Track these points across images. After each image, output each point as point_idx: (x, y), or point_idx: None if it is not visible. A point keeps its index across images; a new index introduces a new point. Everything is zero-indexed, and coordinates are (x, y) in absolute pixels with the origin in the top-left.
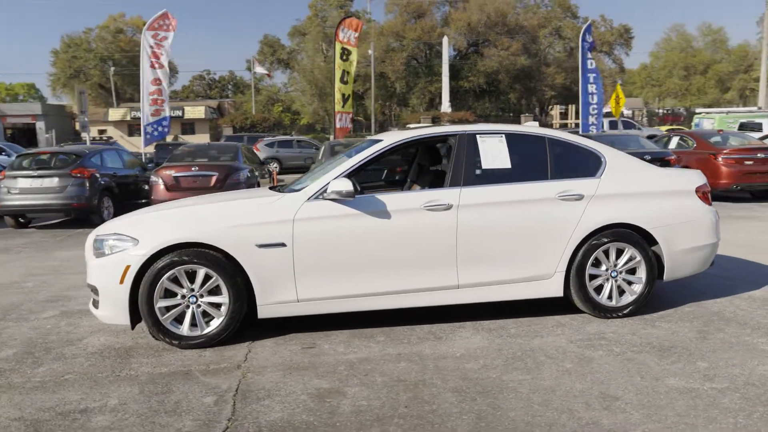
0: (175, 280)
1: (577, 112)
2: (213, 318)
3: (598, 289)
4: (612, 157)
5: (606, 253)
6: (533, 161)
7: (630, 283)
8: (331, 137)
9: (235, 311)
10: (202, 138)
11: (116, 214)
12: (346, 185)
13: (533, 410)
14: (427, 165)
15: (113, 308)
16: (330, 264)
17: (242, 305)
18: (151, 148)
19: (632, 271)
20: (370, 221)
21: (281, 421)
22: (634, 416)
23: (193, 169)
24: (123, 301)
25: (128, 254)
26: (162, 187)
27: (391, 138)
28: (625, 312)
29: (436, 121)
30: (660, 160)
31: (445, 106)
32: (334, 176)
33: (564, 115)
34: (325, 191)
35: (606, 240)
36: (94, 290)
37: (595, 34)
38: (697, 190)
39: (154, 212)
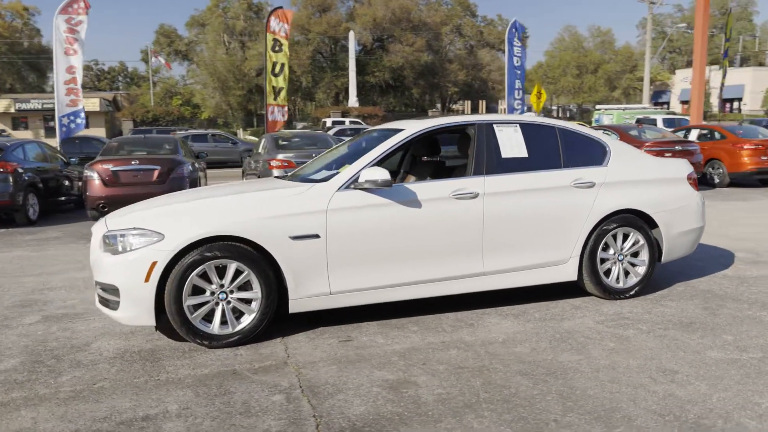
0: (204, 276)
1: (479, 108)
2: (243, 315)
3: (607, 273)
4: (615, 146)
5: (614, 237)
6: (547, 150)
7: (634, 265)
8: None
9: (267, 306)
10: (97, 132)
11: (42, 213)
12: (382, 174)
13: (607, 387)
14: (422, 156)
15: (137, 308)
16: (363, 255)
17: (274, 300)
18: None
19: (635, 254)
20: (402, 210)
21: (370, 414)
22: (701, 387)
23: (133, 162)
24: (148, 300)
25: (153, 250)
26: (98, 182)
27: (413, 126)
28: (631, 293)
29: (345, 115)
30: None
31: (353, 101)
32: (363, 165)
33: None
34: (356, 180)
35: (614, 225)
36: (112, 290)
37: (493, 33)
38: (687, 177)
39: (168, 205)
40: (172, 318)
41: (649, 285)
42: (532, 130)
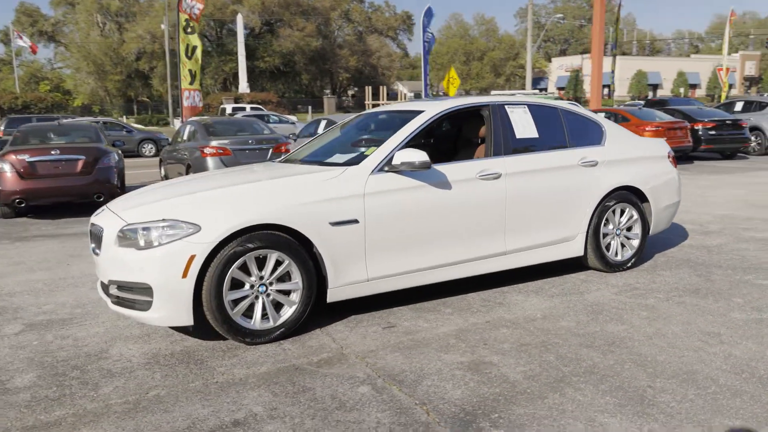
0: (243, 269)
1: (380, 95)
2: (282, 307)
3: (607, 248)
4: (608, 126)
5: (613, 213)
6: (553, 131)
7: (628, 239)
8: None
9: (308, 297)
10: None
11: None
12: (420, 156)
13: (671, 352)
14: (440, 136)
15: (173, 307)
16: (398, 239)
17: (314, 290)
18: None
19: (629, 229)
20: (434, 192)
21: (471, 396)
22: (749, 345)
23: (53, 152)
24: (186, 297)
25: (190, 243)
26: (11, 175)
27: (434, 107)
28: (628, 265)
29: (238, 101)
30: None
31: (243, 87)
32: (394, 147)
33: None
34: (389, 163)
35: (614, 202)
36: (140, 289)
37: (380, 19)
38: (668, 155)
39: (192, 193)
40: (212, 315)
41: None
42: (538, 111)
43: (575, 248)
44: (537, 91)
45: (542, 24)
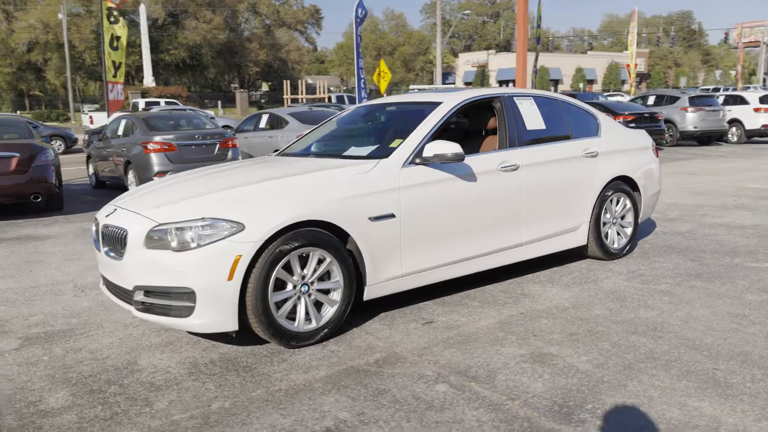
0: (286, 268)
1: (299, 89)
2: (322, 307)
3: (605, 236)
4: (602, 117)
5: (611, 202)
6: (557, 122)
7: (623, 227)
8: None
9: (349, 296)
10: None
11: None
12: (453, 147)
13: (713, 335)
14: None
15: (218, 312)
16: (431, 232)
17: (354, 288)
18: None
19: (623, 217)
20: (462, 185)
21: (555, 388)
22: None
23: None
24: (232, 301)
25: (234, 242)
26: None
27: (452, 98)
28: (624, 252)
29: (145, 95)
30: None
31: (148, 80)
32: (421, 139)
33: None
34: (419, 155)
35: (611, 191)
36: (179, 294)
37: (289, 13)
38: (651, 146)
39: (223, 190)
40: (257, 319)
41: None
42: (542, 103)
43: (580, 238)
44: (453, 85)
45: (447, 20)
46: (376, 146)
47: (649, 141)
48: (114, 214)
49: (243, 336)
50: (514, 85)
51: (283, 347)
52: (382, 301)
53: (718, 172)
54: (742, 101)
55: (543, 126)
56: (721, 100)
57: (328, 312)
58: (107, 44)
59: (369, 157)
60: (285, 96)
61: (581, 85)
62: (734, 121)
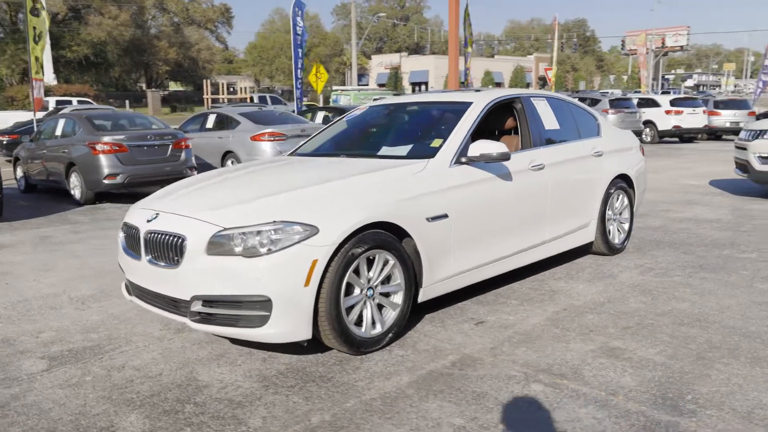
0: (355, 272)
1: (221, 89)
2: (383, 310)
3: (608, 232)
4: (600, 118)
5: (613, 199)
6: (568, 123)
7: (621, 223)
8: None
9: (409, 298)
10: None
11: None
12: (498, 147)
13: (755, 323)
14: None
15: (294, 320)
16: (477, 232)
17: (412, 290)
18: None
19: (621, 213)
20: (501, 184)
21: (644, 381)
22: None
23: None
24: (308, 308)
25: (310, 246)
26: None
27: (481, 98)
28: (622, 248)
29: (49, 94)
30: None
31: (49, 78)
32: (462, 139)
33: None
34: (463, 154)
35: (613, 189)
36: (252, 303)
37: (198, 11)
38: (639, 146)
39: (285, 192)
40: (330, 326)
41: None
42: (553, 104)
43: (589, 234)
44: (378, 87)
45: (359, 22)
46: (411, 146)
47: (637, 141)
48: (159, 219)
49: (287, 346)
50: (426, 87)
51: (350, 354)
52: (424, 303)
53: (650, 170)
54: (654, 104)
55: (557, 126)
56: (635, 102)
57: (390, 315)
58: (31, 39)
59: (411, 156)
60: (205, 96)
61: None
62: (648, 123)
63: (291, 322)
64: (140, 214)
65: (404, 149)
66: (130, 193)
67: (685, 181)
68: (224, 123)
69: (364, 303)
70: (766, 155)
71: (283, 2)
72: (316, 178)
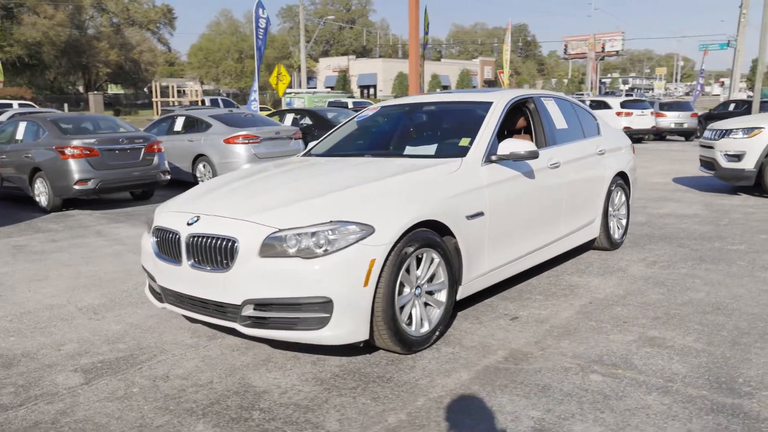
0: (407, 271)
1: (170, 92)
2: (428, 308)
3: (610, 227)
4: (599, 118)
5: (614, 196)
6: (573, 122)
7: (619, 219)
8: None
9: (452, 295)
10: None
11: None
12: (527, 146)
13: (767, 309)
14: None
15: (353, 321)
16: (507, 229)
17: (453, 288)
18: None
19: (618, 209)
20: (526, 182)
21: (694, 367)
22: None
23: None
24: (366, 308)
25: (367, 245)
26: None
27: (501, 97)
28: (621, 242)
29: None
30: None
31: None
32: (489, 138)
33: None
34: (493, 153)
35: (614, 187)
36: (311, 305)
37: (140, 11)
38: (631, 145)
39: (333, 192)
40: (385, 326)
41: None
42: (560, 104)
43: (594, 230)
44: (329, 89)
45: (305, 25)
46: (436, 145)
47: (628, 140)
48: (202, 222)
49: (332, 348)
50: (375, 90)
51: (401, 354)
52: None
53: None
54: (605, 106)
55: (566, 126)
56: (587, 104)
57: (436, 314)
58: None
59: (440, 156)
60: (154, 99)
61: (438, 90)
62: None
63: (350, 323)
64: (177, 218)
65: (430, 149)
66: (99, 199)
67: (649, 179)
68: (194, 126)
69: (413, 302)
70: (732, 153)
71: (228, 3)
72: (357, 178)
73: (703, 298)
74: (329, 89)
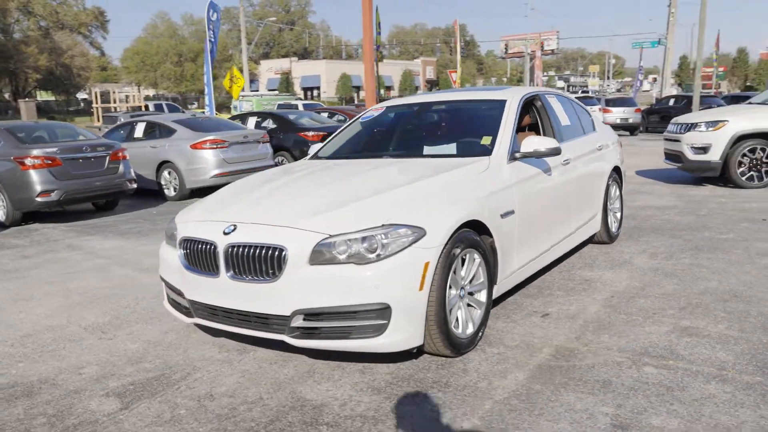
0: (454, 272)
1: (111, 98)
2: (470, 308)
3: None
4: (593, 114)
5: (612, 190)
6: (574, 119)
7: (614, 213)
8: None
9: (489, 295)
10: None
11: None
12: (549, 143)
13: None
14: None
15: (411, 327)
16: (532, 226)
17: (491, 287)
18: None
19: (613, 203)
20: (545, 178)
21: (737, 353)
22: None
23: None
24: (421, 313)
25: (420, 248)
26: None
27: (513, 94)
28: (617, 235)
29: None
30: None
31: None
32: (510, 135)
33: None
34: (516, 151)
35: (611, 181)
36: (368, 312)
37: (69, 14)
38: (619, 140)
39: (377, 194)
40: (438, 329)
41: None
42: (561, 101)
43: (596, 224)
44: (271, 92)
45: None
46: (455, 145)
47: (616, 135)
48: (241, 230)
49: (373, 355)
50: (318, 92)
51: (449, 357)
52: None
53: None
54: None
55: (569, 122)
56: None
57: (477, 314)
58: None
59: (463, 155)
60: (95, 105)
61: (382, 91)
62: None
63: (408, 329)
64: (210, 227)
65: (449, 148)
66: (62, 211)
67: None
68: (156, 131)
69: (458, 304)
70: (698, 146)
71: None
72: (391, 179)
73: (717, 287)
74: (272, 92)
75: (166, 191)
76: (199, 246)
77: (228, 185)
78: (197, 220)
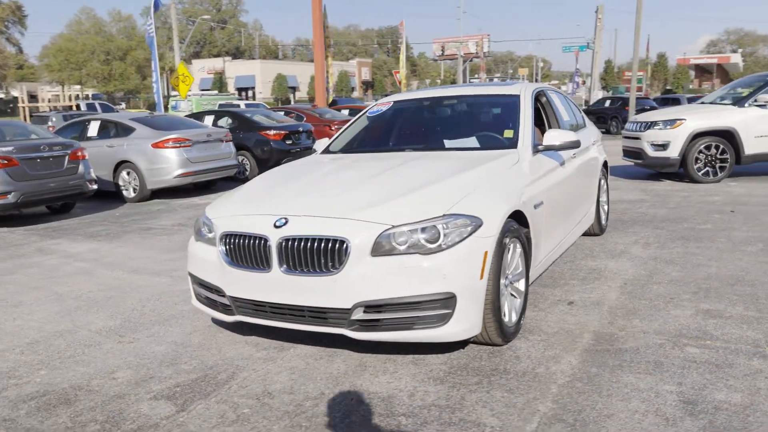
0: (503, 262)
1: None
2: (512, 297)
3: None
4: (582, 111)
5: (601, 184)
6: (571, 114)
7: (603, 205)
8: None
9: (526, 285)
10: None
11: None
12: (570, 135)
13: None
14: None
15: (473, 316)
16: (554, 217)
17: (527, 276)
18: None
19: (601, 196)
20: (562, 171)
21: (765, 332)
22: None
23: None
24: (482, 301)
25: (479, 238)
26: None
27: (525, 89)
28: (606, 227)
29: None
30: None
31: None
32: (531, 128)
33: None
34: (537, 143)
35: (601, 175)
36: (433, 302)
37: None
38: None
39: (427, 186)
40: (493, 317)
41: None
42: (559, 96)
43: (591, 216)
44: (205, 91)
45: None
46: (475, 138)
47: (599, 132)
48: (294, 223)
49: (420, 346)
50: (254, 92)
51: (498, 345)
52: None
53: None
54: None
55: (569, 117)
56: None
57: (517, 303)
58: None
59: (486, 148)
60: (21, 105)
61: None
62: None
63: (471, 318)
64: (258, 221)
65: (470, 141)
66: (19, 215)
67: None
68: (112, 130)
69: (505, 293)
70: (658, 143)
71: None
72: (432, 171)
73: (717, 272)
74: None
75: (125, 192)
76: (247, 241)
77: (252, 180)
78: (238, 215)
